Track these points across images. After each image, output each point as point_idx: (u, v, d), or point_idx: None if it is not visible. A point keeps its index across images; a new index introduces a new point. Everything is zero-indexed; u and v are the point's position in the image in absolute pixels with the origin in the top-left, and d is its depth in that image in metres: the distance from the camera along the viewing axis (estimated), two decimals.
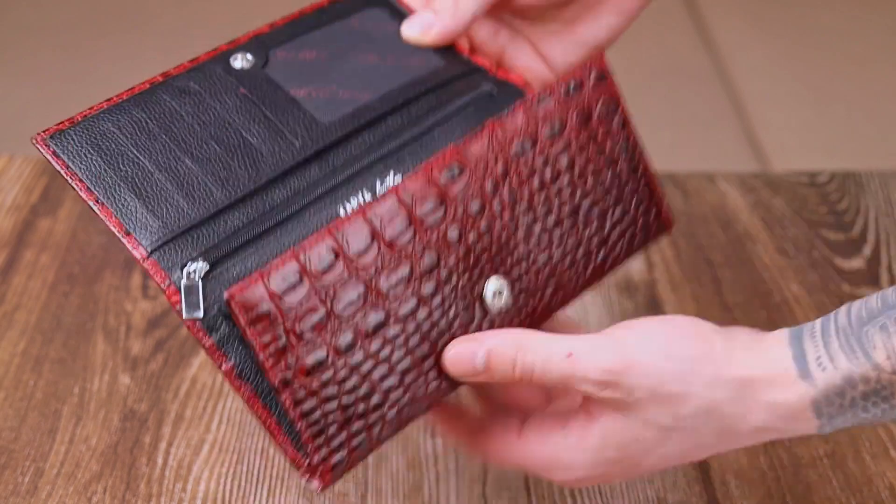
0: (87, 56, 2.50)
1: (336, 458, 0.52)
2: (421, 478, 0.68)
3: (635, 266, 0.86)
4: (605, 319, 0.80)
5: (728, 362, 0.52)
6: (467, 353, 0.54)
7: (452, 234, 0.54)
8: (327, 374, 0.51)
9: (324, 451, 0.51)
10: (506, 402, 0.60)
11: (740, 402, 0.51)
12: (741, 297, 0.83)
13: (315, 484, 0.52)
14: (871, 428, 0.72)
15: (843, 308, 0.52)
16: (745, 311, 0.81)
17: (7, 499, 0.66)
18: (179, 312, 0.50)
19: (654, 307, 0.82)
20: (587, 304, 0.82)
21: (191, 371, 0.75)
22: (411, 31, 0.61)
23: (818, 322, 0.52)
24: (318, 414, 0.51)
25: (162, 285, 0.51)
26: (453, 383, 0.55)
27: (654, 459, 0.53)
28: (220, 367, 0.50)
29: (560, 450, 0.54)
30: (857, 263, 0.86)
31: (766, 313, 0.81)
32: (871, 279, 0.84)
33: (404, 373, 0.53)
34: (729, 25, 2.65)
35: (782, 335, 0.53)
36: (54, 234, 0.87)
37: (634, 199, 0.61)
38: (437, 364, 0.54)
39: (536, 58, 0.65)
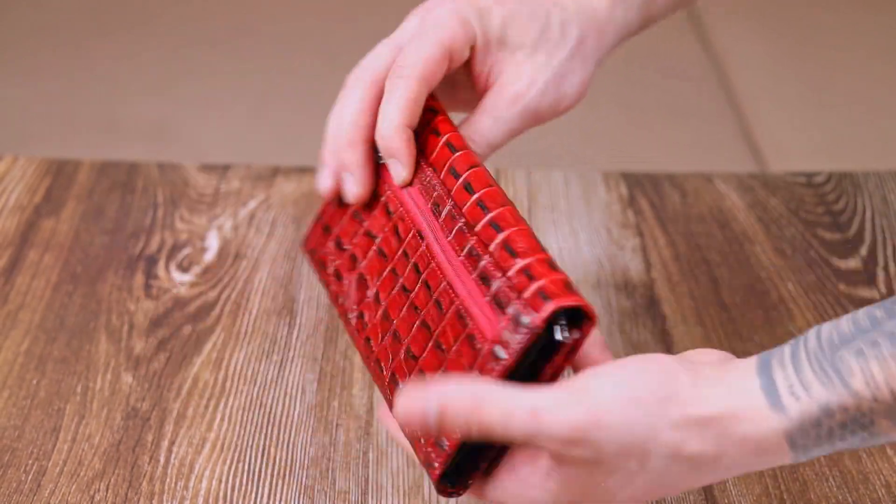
0: (87, 56, 2.50)
1: None
2: (421, 475, 0.68)
3: (633, 266, 0.86)
4: (603, 319, 0.81)
5: (695, 400, 0.49)
6: (417, 408, 0.50)
7: None
8: None
9: None
10: None
11: (709, 441, 0.49)
12: (738, 296, 0.83)
13: None
14: None
15: (812, 332, 0.50)
16: (741, 310, 0.82)
17: (10, 497, 0.66)
18: None
19: (652, 307, 0.82)
20: None
21: (193, 370, 0.76)
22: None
23: (787, 347, 0.50)
24: None
25: None
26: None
27: (622, 497, 0.51)
28: None
29: (526, 485, 0.52)
30: (853, 263, 0.87)
31: (763, 313, 0.82)
32: (867, 279, 0.85)
33: None
34: (727, 27, 2.66)
35: (750, 364, 0.50)
36: (57, 234, 0.88)
37: None
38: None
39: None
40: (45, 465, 0.68)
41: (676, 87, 2.45)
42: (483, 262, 0.54)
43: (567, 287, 0.51)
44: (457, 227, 0.56)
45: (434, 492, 0.67)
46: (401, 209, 0.59)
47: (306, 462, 0.69)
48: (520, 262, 0.52)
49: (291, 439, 0.71)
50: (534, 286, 0.51)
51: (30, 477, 0.67)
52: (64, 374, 0.75)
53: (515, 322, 0.51)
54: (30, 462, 0.68)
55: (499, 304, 0.52)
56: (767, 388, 0.49)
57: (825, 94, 2.42)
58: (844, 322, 0.49)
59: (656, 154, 2.22)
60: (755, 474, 0.68)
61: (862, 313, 0.49)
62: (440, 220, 0.57)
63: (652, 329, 0.80)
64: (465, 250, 0.55)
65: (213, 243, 0.87)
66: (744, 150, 2.25)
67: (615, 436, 0.49)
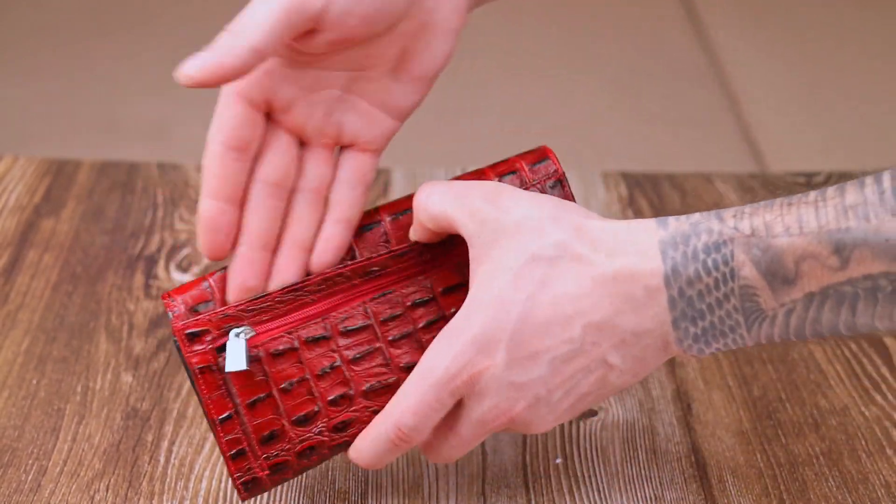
0: (87, 56, 2.51)
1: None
2: (420, 474, 0.68)
3: None
4: None
5: (593, 216, 0.57)
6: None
7: None
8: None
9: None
10: None
11: (599, 235, 0.55)
12: None
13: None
14: (868, 426, 0.72)
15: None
16: None
17: (10, 497, 0.66)
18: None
19: None
20: None
21: None
22: (183, 72, 0.54)
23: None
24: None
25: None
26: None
27: (524, 305, 0.55)
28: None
29: (446, 335, 0.56)
30: None
31: None
32: None
33: None
34: (726, 27, 2.66)
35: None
36: (57, 234, 0.88)
37: None
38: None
39: (376, 111, 0.61)
40: (45, 465, 0.68)
41: (676, 87, 2.45)
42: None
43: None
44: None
45: (434, 491, 0.67)
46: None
47: None
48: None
49: None
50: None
51: (30, 477, 0.67)
52: (64, 374, 0.75)
53: None
54: (30, 462, 0.68)
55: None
56: (659, 220, 0.55)
57: (825, 94, 2.42)
58: None
59: (656, 154, 2.22)
60: (754, 474, 0.68)
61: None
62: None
63: None
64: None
65: None
66: (743, 151, 2.25)
67: (525, 204, 0.56)
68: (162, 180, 0.95)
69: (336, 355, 0.60)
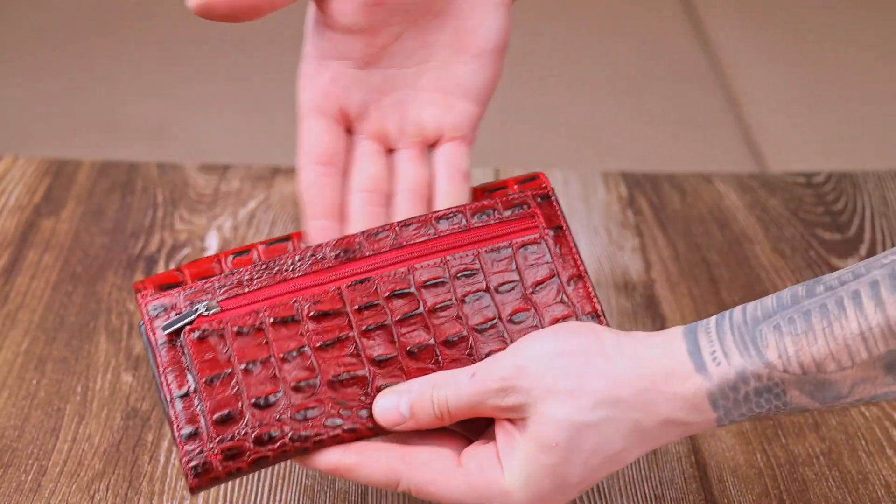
0: (87, 56, 2.51)
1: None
2: None
3: (633, 266, 0.86)
4: None
5: (619, 355, 0.54)
6: (391, 404, 0.57)
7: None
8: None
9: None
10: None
11: (640, 393, 0.53)
12: (738, 296, 0.83)
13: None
14: (868, 426, 0.72)
15: (739, 308, 0.54)
16: None
17: (10, 497, 0.66)
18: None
19: (651, 306, 0.82)
20: None
21: None
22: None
23: (712, 319, 0.54)
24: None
25: None
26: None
27: (581, 471, 0.54)
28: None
29: (497, 476, 0.55)
30: (853, 263, 0.87)
31: None
32: None
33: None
34: (726, 27, 2.66)
35: (676, 331, 0.54)
36: (57, 234, 0.88)
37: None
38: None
39: (451, 97, 0.62)
40: (45, 465, 0.68)
41: (676, 87, 2.45)
42: None
43: None
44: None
45: None
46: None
47: None
48: None
49: None
50: None
51: (30, 477, 0.67)
52: (64, 373, 0.75)
53: None
54: (30, 462, 0.68)
55: None
56: (693, 352, 0.53)
57: (824, 94, 2.42)
58: (769, 299, 0.54)
59: (656, 154, 2.22)
60: (755, 474, 0.68)
61: (786, 291, 0.54)
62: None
63: (651, 329, 0.80)
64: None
65: (212, 243, 0.88)
66: (743, 151, 2.25)
67: (542, 382, 0.53)
68: (162, 180, 0.95)
69: (304, 339, 0.58)
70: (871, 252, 0.88)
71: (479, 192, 0.63)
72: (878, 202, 0.94)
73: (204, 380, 0.57)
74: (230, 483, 0.67)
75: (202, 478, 0.56)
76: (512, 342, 0.58)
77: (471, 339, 0.59)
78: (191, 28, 2.62)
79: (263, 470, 0.68)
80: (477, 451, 0.56)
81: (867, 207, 0.94)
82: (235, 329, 0.58)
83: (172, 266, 0.85)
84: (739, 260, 0.87)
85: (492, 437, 0.57)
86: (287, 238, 0.61)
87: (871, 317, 0.51)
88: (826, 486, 0.68)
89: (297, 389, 0.57)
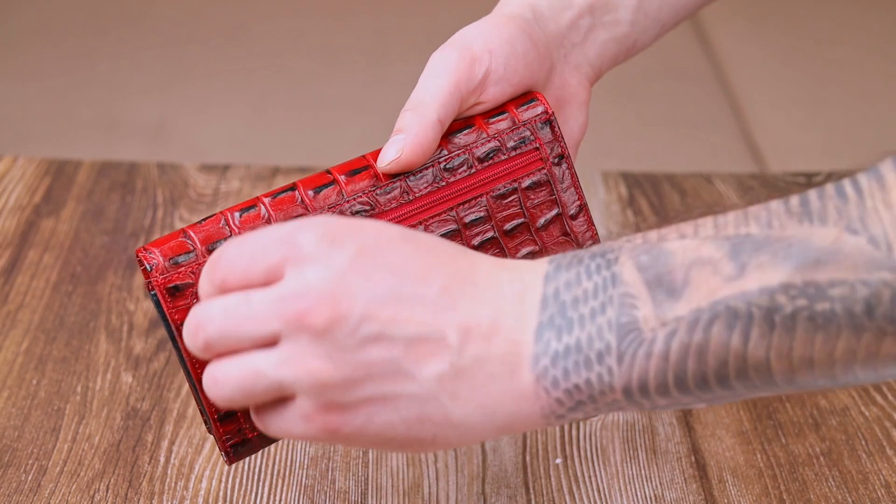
0: (87, 56, 2.51)
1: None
2: (420, 475, 0.68)
3: None
4: None
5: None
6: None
7: None
8: None
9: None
10: None
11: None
12: None
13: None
14: (868, 426, 0.72)
15: None
16: None
17: (10, 497, 0.66)
18: None
19: None
20: None
21: None
22: (387, 157, 0.57)
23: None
24: None
25: None
26: None
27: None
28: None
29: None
30: None
31: None
32: None
33: None
34: (726, 28, 2.66)
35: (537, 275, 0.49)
36: (57, 234, 0.88)
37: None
38: None
39: None
40: (46, 465, 0.68)
41: (676, 87, 2.45)
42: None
43: None
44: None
45: (434, 492, 0.67)
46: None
47: (306, 462, 0.69)
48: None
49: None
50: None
51: (30, 477, 0.67)
52: (64, 374, 0.75)
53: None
54: (30, 462, 0.68)
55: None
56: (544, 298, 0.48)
57: (824, 94, 2.42)
58: None
59: (656, 154, 2.22)
60: (755, 474, 0.68)
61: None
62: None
63: None
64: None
65: None
66: (743, 151, 2.25)
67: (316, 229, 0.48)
68: (162, 180, 0.95)
69: None
70: None
71: (479, 121, 0.61)
72: None
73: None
74: (230, 483, 0.67)
75: (240, 454, 0.56)
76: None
77: None
78: (191, 28, 2.62)
79: (263, 470, 0.68)
80: None
81: None
82: None
83: None
84: None
85: None
86: (293, 187, 0.58)
87: (729, 210, 0.47)
88: (826, 486, 0.68)
89: None
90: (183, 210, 0.91)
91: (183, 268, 0.55)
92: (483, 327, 0.47)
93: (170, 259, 0.55)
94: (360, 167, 0.59)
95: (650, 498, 0.67)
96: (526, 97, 0.62)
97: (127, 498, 0.66)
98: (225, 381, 0.49)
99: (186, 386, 0.74)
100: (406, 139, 0.57)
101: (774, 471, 0.69)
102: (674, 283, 0.45)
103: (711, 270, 0.45)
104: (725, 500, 0.67)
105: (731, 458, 0.70)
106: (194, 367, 0.55)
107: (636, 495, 0.67)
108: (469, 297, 0.48)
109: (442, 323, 0.47)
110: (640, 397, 0.47)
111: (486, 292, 0.48)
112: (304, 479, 0.68)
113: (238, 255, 0.49)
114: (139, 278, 0.84)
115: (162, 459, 0.69)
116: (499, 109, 0.61)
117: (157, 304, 0.55)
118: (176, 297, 0.55)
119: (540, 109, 0.61)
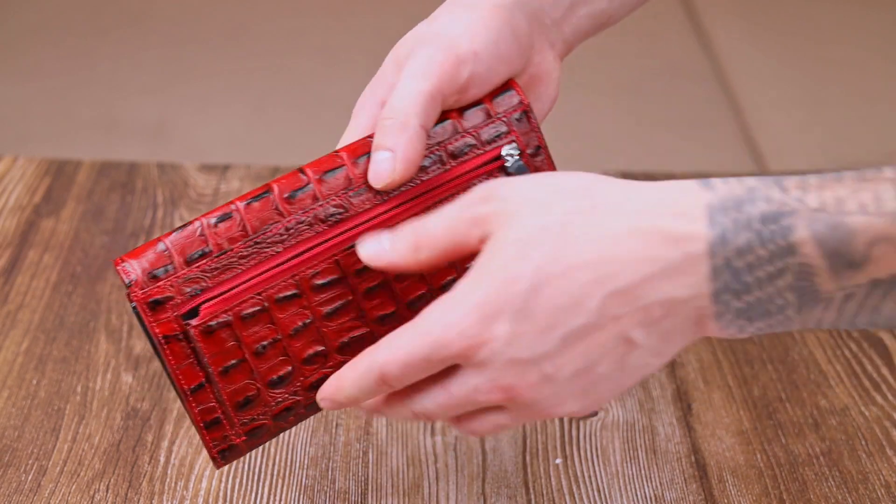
0: (87, 56, 2.51)
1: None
2: (420, 475, 0.68)
3: None
4: None
5: (619, 191, 0.50)
6: (372, 239, 0.55)
7: None
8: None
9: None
10: None
11: (622, 193, 0.49)
12: None
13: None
14: (868, 426, 0.72)
15: None
16: None
17: (10, 496, 0.66)
18: None
19: None
20: None
21: None
22: (382, 178, 0.57)
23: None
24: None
25: None
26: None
27: (533, 276, 0.49)
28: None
29: (439, 304, 0.51)
30: None
31: None
32: None
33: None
34: (726, 27, 2.66)
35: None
36: (57, 234, 0.88)
37: None
38: None
39: None
40: (45, 465, 0.68)
41: (676, 86, 2.45)
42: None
43: None
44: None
45: (434, 492, 0.67)
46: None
47: (306, 462, 0.69)
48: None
49: (291, 439, 0.71)
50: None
51: (30, 477, 0.67)
52: (64, 374, 0.75)
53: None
54: (30, 462, 0.68)
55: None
56: (702, 182, 0.49)
57: (824, 94, 2.42)
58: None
59: (656, 154, 2.22)
60: (755, 474, 0.68)
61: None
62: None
63: None
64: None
65: None
66: (743, 151, 2.25)
67: (522, 188, 0.51)
68: (162, 180, 0.95)
69: (308, 312, 0.57)
70: None
71: (454, 114, 0.60)
72: None
73: (218, 371, 0.57)
74: (230, 483, 0.67)
75: (228, 458, 0.58)
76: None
77: None
78: (191, 28, 2.62)
79: (263, 470, 0.68)
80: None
81: None
82: (242, 315, 0.57)
83: None
84: None
85: None
86: (268, 190, 0.58)
87: None
88: (826, 486, 0.68)
89: (307, 361, 0.58)
90: (183, 210, 0.91)
91: (162, 281, 0.56)
92: (660, 311, 0.49)
93: (148, 273, 0.56)
94: (335, 167, 0.58)
95: (650, 498, 0.67)
96: (501, 88, 0.60)
97: (127, 498, 0.66)
98: (480, 432, 0.54)
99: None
100: (396, 156, 0.56)
101: (774, 471, 0.69)
102: (854, 257, 0.46)
103: (893, 249, 0.46)
104: (725, 500, 0.67)
105: (731, 458, 0.70)
106: (179, 380, 0.57)
107: (636, 495, 0.67)
108: (636, 300, 0.50)
109: (623, 327, 0.50)
110: (816, 326, 0.50)
111: (652, 281, 0.49)
112: (304, 479, 0.68)
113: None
114: None
115: (162, 459, 0.69)
116: (474, 102, 0.60)
117: (139, 317, 0.56)
118: (157, 310, 0.56)
119: (516, 100, 0.60)
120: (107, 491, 0.67)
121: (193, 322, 0.56)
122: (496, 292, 0.50)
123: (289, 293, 0.57)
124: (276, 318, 0.58)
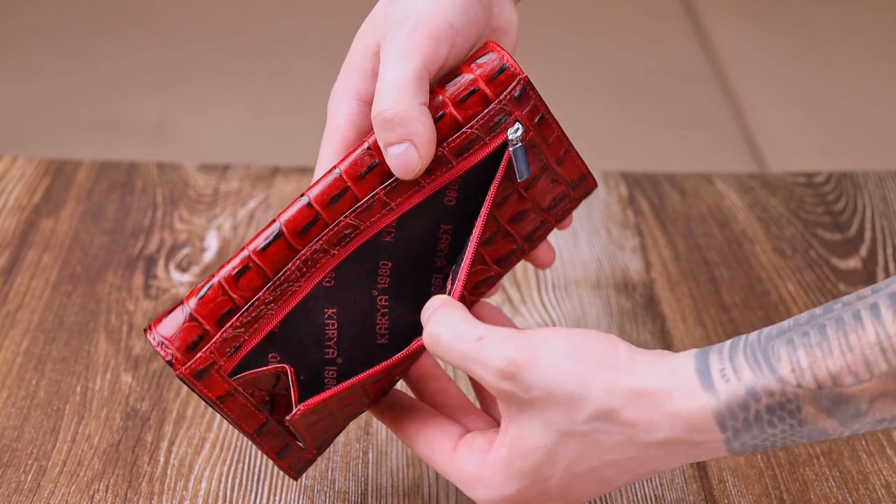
0: (87, 56, 2.51)
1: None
2: (420, 475, 0.68)
3: (633, 266, 0.86)
4: (603, 319, 0.81)
5: (629, 372, 0.52)
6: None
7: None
8: None
9: None
10: (435, 404, 0.61)
11: (639, 411, 0.51)
12: (738, 296, 0.83)
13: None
14: None
15: (756, 331, 0.52)
16: (741, 310, 0.82)
17: (9, 497, 0.66)
18: None
19: (651, 306, 0.82)
20: (585, 304, 0.83)
21: None
22: (410, 169, 0.57)
23: (728, 341, 0.52)
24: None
25: None
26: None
27: (562, 475, 0.53)
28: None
29: (481, 467, 0.55)
30: (853, 263, 0.87)
31: (763, 312, 0.82)
32: (867, 279, 0.85)
33: None
34: (727, 27, 2.66)
35: (689, 352, 0.53)
36: (57, 234, 0.88)
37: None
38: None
39: None
40: (45, 465, 0.68)
41: (676, 87, 2.45)
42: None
43: None
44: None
45: (434, 492, 0.67)
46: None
47: None
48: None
49: None
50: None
51: (29, 477, 0.67)
52: (63, 374, 0.75)
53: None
54: (29, 462, 0.68)
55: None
56: (700, 370, 0.51)
57: (825, 94, 2.42)
58: (787, 321, 0.52)
59: (656, 154, 2.22)
60: (755, 474, 0.68)
61: (805, 312, 0.52)
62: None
63: (652, 329, 0.80)
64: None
65: (212, 243, 0.88)
66: (743, 151, 2.25)
67: (544, 381, 0.52)
68: (161, 180, 0.95)
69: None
70: (872, 252, 0.88)
71: (450, 105, 0.58)
72: (879, 202, 0.94)
73: (309, 439, 0.60)
74: (230, 483, 0.67)
75: (303, 471, 0.62)
76: (519, 238, 0.62)
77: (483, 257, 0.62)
78: (191, 28, 2.62)
79: (263, 470, 0.69)
80: (472, 441, 0.57)
81: (867, 207, 0.93)
82: (335, 398, 0.58)
83: (172, 266, 0.85)
84: (740, 260, 0.87)
85: (491, 423, 0.59)
86: (279, 234, 0.58)
87: (889, 326, 0.48)
88: (826, 486, 0.68)
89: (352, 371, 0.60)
90: (182, 210, 0.91)
91: (200, 352, 0.57)
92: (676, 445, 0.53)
93: (185, 348, 0.57)
94: (339, 191, 0.58)
95: (650, 498, 0.67)
96: (479, 53, 0.59)
97: (126, 498, 0.66)
98: None
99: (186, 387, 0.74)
100: (415, 143, 0.56)
101: (774, 471, 0.69)
102: (859, 411, 0.50)
103: (893, 400, 0.49)
104: (725, 500, 0.67)
105: (732, 458, 0.70)
106: (243, 428, 0.59)
107: (636, 495, 0.67)
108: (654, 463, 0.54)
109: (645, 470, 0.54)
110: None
111: (667, 452, 0.53)
112: (304, 480, 0.68)
113: None
114: (139, 278, 0.84)
115: (161, 460, 0.69)
116: (468, 88, 0.58)
117: (188, 385, 0.58)
118: (203, 378, 0.57)
119: (498, 63, 0.58)
120: (106, 491, 0.67)
121: (241, 375, 0.58)
122: (528, 487, 0.54)
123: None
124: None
